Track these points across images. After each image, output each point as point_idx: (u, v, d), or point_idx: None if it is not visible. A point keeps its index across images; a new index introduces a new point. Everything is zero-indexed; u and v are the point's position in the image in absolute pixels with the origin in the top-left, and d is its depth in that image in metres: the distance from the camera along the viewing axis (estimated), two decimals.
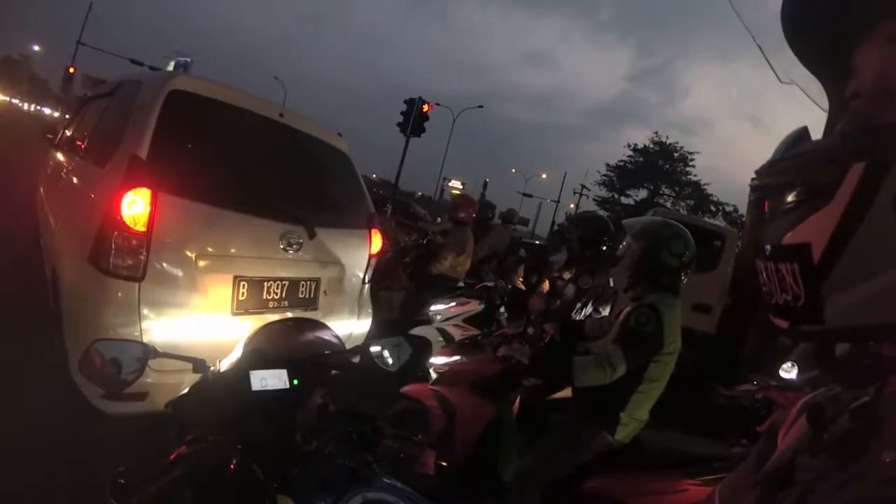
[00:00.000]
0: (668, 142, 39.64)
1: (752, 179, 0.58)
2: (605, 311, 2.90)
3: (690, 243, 2.27)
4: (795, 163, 0.53)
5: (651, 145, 39.86)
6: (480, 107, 39.52)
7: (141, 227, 2.31)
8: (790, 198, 0.51)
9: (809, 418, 0.59)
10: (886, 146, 0.45)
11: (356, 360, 1.46)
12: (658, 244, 2.24)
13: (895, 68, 0.49)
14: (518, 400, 2.67)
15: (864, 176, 0.45)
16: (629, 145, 41.02)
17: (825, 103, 0.62)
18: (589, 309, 2.85)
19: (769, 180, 0.56)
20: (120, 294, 2.33)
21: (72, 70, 27.90)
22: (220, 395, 1.21)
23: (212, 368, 1.31)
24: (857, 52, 0.53)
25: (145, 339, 2.18)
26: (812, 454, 0.56)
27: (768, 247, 0.54)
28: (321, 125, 3.36)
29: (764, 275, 0.55)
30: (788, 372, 3.94)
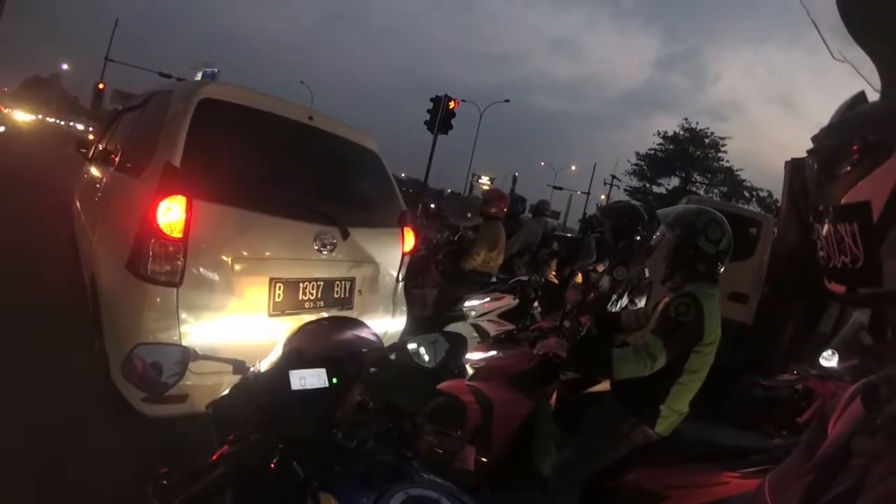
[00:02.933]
0: (699, 128, 38.99)
1: (811, 146, 0.58)
2: (641, 303, 2.86)
3: (727, 229, 2.23)
4: (853, 122, 0.53)
5: (681, 132, 39.20)
6: (507, 101, 39.26)
7: (177, 233, 2.37)
8: (849, 158, 0.51)
9: (864, 399, 0.58)
10: None
11: (393, 357, 1.47)
12: (694, 232, 2.20)
13: None
14: (555, 394, 2.66)
15: None
16: (659, 133, 40.45)
17: (876, 82, 0.61)
18: (625, 300, 2.81)
19: (827, 142, 0.55)
20: (158, 299, 2.39)
21: (101, 86, 28.56)
22: (261, 394, 1.22)
23: (251, 369, 1.33)
24: None
25: (184, 343, 2.22)
26: (868, 434, 0.55)
27: (827, 208, 0.54)
28: (350, 126, 3.39)
29: (822, 238, 0.55)
30: (829, 360, 3.83)
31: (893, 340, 0.53)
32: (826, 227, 0.54)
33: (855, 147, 0.50)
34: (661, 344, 2.03)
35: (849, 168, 0.51)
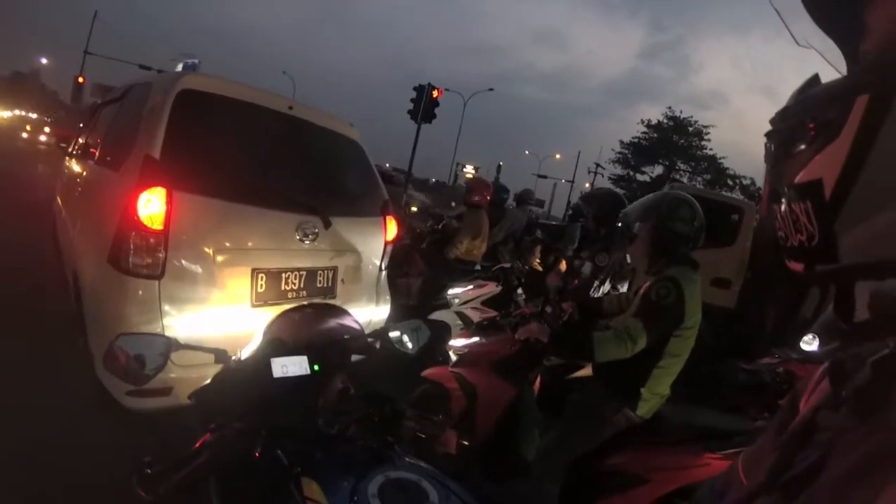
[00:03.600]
0: (683, 116, 39.00)
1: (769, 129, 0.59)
2: (623, 288, 2.89)
3: (696, 206, 2.26)
4: (806, 103, 0.54)
5: (665, 120, 39.23)
6: (491, 90, 39.06)
7: (158, 225, 2.35)
8: (801, 138, 0.52)
9: (829, 374, 0.59)
10: (889, 78, 0.45)
11: (376, 344, 1.48)
12: (666, 216, 2.22)
13: None
14: (538, 379, 2.68)
15: (868, 108, 0.45)
16: (643, 121, 40.57)
17: (843, 67, 0.61)
18: (607, 286, 2.83)
19: (782, 124, 0.57)
20: (141, 292, 2.37)
21: (81, 79, 28.05)
22: (243, 383, 1.23)
23: (233, 358, 1.33)
24: (869, 11, 0.53)
25: (168, 335, 2.22)
26: (833, 409, 0.55)
27: (783, 188, 0.55)
28: (331, 115, 3.38)
29: (779, 218, 0.56)
30: (809, 344, 3.89)
31: (859, 319, 0.54)
32: (783, 206, 0.55)
33: (808, 127, 0.51)
34: (642, 326, 2.05)
35: (802, 147, 0.52)
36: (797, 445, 0.56)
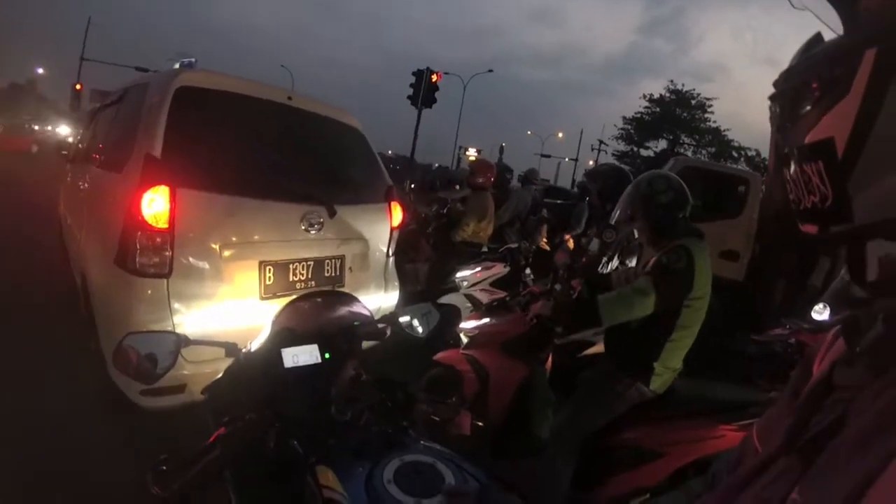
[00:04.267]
0: (685, 90, 38.69)
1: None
2: (632, 264, 2.87)
3: (672, 176, 2.30)
4: (810, 62, 0.53)
5: (667, 94, 38.91)
6: (490, 71, 38.90)
7: (163, 224, 2.36)
8: (808, 98, 0.51)
9: (843, 331, 0.59)
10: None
11: (386, 330, 1.47)
12: (646, 196, 2.25)
13: None
14: (550, 358, 2.68)
15: (877, 61, 0.45)
16: (644, 96, 40.14)
17: (840, 29, 0.61)
18: (615, 262, 2.82)
19: (786, 85, 0.56)
20: (149, 292, 2.38)
21: (79, 87, 28.04)
22: (254, 375, 1.23)
23: (243, 350, 1.33)
24: None
25: (177, 332, 2.23)
26: (848, 366, 0.55)
27: (792, 151, 0.54)
28: (331, 104, 3.37)
29: (790, 181, 0.55)
30: (820, 314, 3.87)
31: (873, 277, 0.52)
32: (793, 169, 0.54)
33: (814, 86, 0.50)
34: (652, 283, 2.05)
35: (809, 108, 0.51)
36: (813, 406, 0.56)
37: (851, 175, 0.47)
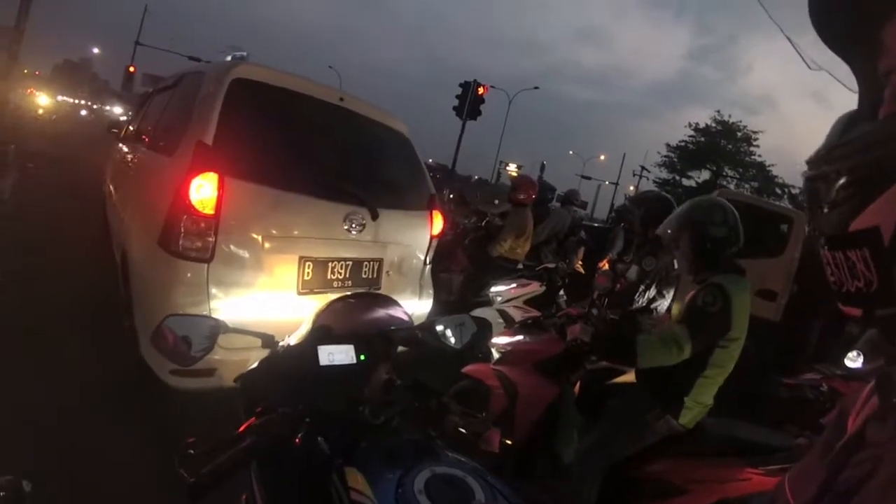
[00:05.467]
0: (731, 121, 38.21)
1: (806, 170, 0.57)
2: (669, 294, 2.83)
3: (728, 209, 2.22)
4: (855, 146, 0.51)
5: (713, 124, 38.45)
6: (536, 88, 39.07)
7: (209, 210, 2.40)
8: (851, 183, 0.50)
9: (878, 387, 0.58)
10: None
11: (421, 337, 1.47)
12: (699, 223, 2.19)
13: None
14: (579, 382, 2.65)
15: None
16: (690, 124, 39.69)
17: (854, 85, 0.60)
18: (652, 291, 2.78)
19: (826, 168, 0.54)
20: (189, 275, 2.43)
21: (132, 69, 28.92)
22: (289, 369, 1.23)
23: (280, 343, 1.34)
24: (886, 29, 0.51)
25: (216, 318, 2.26)
26: (881, 421, 0.54)
27: (833, 236, 0.53)
28: (380, 108, 3.40)
29: (832, 265, 0.54)
30: (854, 361, 3.78)
31: None
32: (836, 254, 0.53)
33: (859, 172, 0.49)
34: (688, 334, 2.01)
35: (853, 194, 0.50)
36: (844, 461, 0.56)
37: None
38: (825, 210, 0.54)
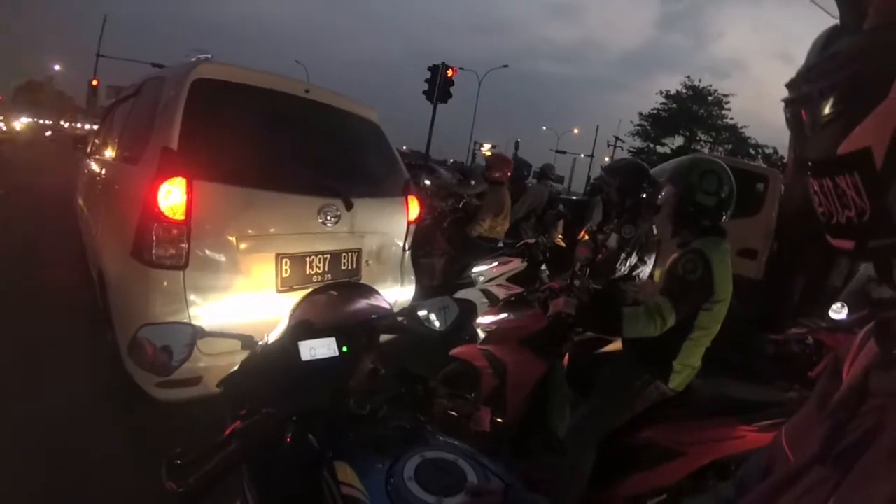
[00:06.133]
0: (702, 86, 38.65)
1: (787, 94, 0.53)
2: (651, 260, 2.83)
3: (726, 177, 2.18)
4: (837, 61, 0.48)
5: (684, 91, 38.86)
6: (505, 66, 38.62)
7: (180, 216, 2.35)
8: (837, 102, 0.46)
9: (877, 336, 0.55)
10: None
11: (404, 323, 1.45)
12: (691, 185, 2.16)
13: None
14: (567, 355, 2.65)
15: None
16: (661, 92, 40.15)
17: (835, 12, 0.56)
18: (634, 259, 2.79)
19: (807, 88, 0.50)
20: (165, 283, 2.38)
21: (95, 82, 28.33)
22: (271, 368, 1.21)
23: (260, 343, 1.32)
24: None
25: (192, 323, 2.23)
26: (884, 369, 0.52)
27: (820, 161, 0.50)
28: (347, 97, 3.36)
29: (818, 194, 0.51)
30: (838, 313, 3.83)
31: None
32: (823, 181, 0.50)
33: (843, 88, 0.46)
34: (671, 304, 2.02)
35: (839, 113, 0.46)
36: (848, 413, 0.53)
37: (893, 186, 0.44)
38: (809, 135, 0.51)
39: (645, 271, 2.85)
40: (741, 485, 0.72)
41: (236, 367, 1.31)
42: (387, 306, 1.45)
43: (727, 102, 38.13)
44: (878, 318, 0.57)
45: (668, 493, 2.15)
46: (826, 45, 0.53)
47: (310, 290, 1.43)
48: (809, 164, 0.51)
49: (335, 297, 1.44)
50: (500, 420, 2.31)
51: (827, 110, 0.47)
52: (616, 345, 2.49)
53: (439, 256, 5.47)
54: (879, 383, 0.52)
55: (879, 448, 0.46)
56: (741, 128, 37.74)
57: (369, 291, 1.49)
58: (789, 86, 0.53)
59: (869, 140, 0.44)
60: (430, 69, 17.03)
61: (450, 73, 16.84)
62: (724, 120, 38.30)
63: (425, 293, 3.75)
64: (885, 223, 0.45)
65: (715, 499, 0.77)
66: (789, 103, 0.53)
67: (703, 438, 2.11)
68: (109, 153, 3.73)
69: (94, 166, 4.34)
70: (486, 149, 41.14)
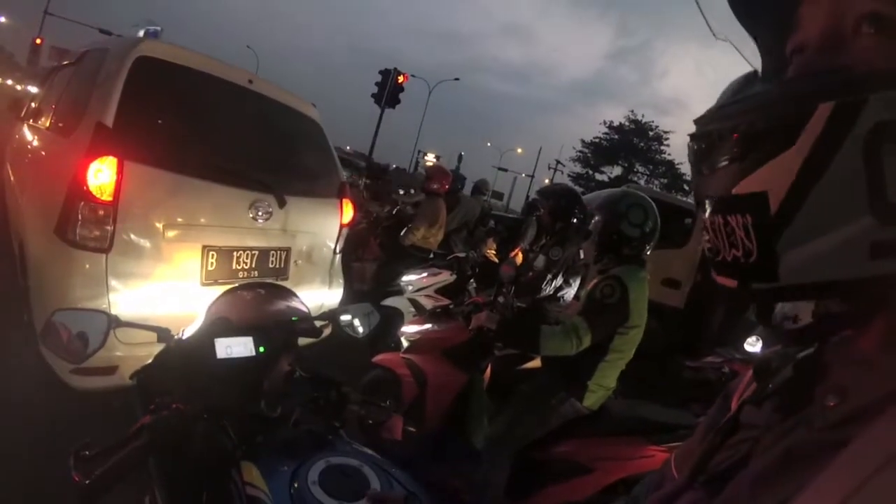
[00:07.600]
0: (644, 120, 40.22)
1: (694, 130, 0.53)
2: (575, 283, 2.93)
3: (651, 213, 2.29)
4: (748, 105, 0.48)
5: (627, 123, 40.33)
6: (457, 79, 38.86)
7: (107, 196, 2.27)
8: (741, 144, 0.46)
9: (755, 372, 0.60)
10: (858, 86, 0.41)
11: (326, 327, 1.46)
12: (617, 215, 2.27)
13: (847, 14, 0.45)
14: (489, 369, 2.71)
15: (832, 117, 0.41)
16: (605, 122, 41.61)
17: (758, 63, 0.58)
18: (559, 280, 2.87)
19: (715, 126, 0.50)
20: (87, 266, 2.29)
21: (38, 41, 26.83)
22: (185, 363, 1.20)
23: (176, 337, 1.30)
24: (803, 6, 0.49)
25: (113, 312, 2.16)
26: (756, 405, 0.56)
27: (715, 199, 0.49)
28: (291, 92, 3.32)
29: (709, 230, 0.51)
30: (753, 346, 4.05)
31: (798, 324, 0.51)
32: (715, 218, 0.49)
33: (750, 133, 0.45)
34: (587, 325, 2.10)
35: (740, 155, 0.46)
36: (720, 442, 0.57)
37: (782, 233, 0.44)
38: (706, 173, 0.50)
39: (569, 293, 2.93)
40: (634, 500, 0.76)
41: (151, 360, 1.29)
42: (305, 310, 1.45)
43: (667, 139, 39.82)
44: (760, 358, 0.61)
45: None
46: (740, 88, 0.55)
47: (232, 286, 1.42)
48: (704, 200, 0.51)
49: (256, 296, 1.43)
50: (412, 429, 2.34)
51: (729, 151, 0.47)
52: (536, 362, 2.57)
53: (371, 262, 5.44)
54: (749, 418, 0.56)
55: (745, 476, 0.49)
56: (678, 164, 39.11)
57: (289, 294, 1.48)
58: (697, 122, 0.53)
59: (766, 185, 0.44)
60: (381, 73, 16.92)
61: (401, 79, 16.79)
62: (662, 155, 40.02)
63: (355, 297, 3.74)
64: (768, 268, 0.45)
65: None
66: (694, 138, 0.52)
67: (614, 456, 2.18)
68: (43, 121, 3.56)
69: (27, 132, 4.12)
70: (430, 158, 41.27)
